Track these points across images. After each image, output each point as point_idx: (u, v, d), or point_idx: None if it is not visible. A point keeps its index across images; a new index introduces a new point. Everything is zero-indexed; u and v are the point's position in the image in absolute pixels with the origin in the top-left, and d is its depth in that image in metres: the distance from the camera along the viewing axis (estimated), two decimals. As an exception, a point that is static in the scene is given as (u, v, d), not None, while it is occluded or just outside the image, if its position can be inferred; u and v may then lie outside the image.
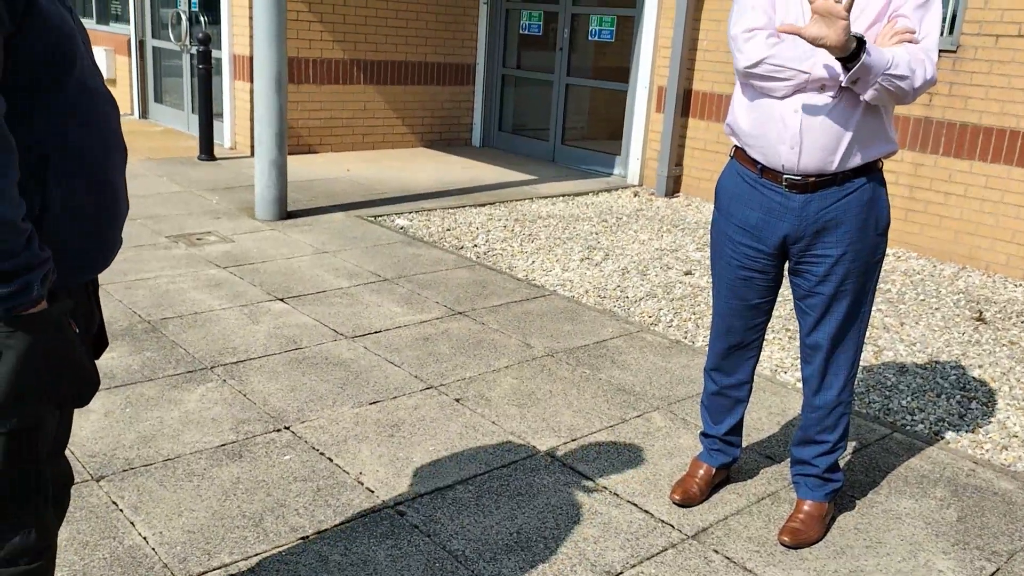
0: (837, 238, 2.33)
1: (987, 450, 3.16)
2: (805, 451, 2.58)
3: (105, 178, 1.46)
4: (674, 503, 2.67)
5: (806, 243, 2.36)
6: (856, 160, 2.27)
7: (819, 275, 2.38)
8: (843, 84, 2.15)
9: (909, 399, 3.55)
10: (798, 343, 4.07)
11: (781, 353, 3.95)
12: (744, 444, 3.06)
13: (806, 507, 2.56)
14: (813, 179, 2.29)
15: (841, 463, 2.97)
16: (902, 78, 2.12)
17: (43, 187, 1.35)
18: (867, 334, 4.21)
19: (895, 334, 4.26)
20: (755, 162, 2.37)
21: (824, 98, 2.22)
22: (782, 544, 2.49)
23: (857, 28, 2.19)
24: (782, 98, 2.26)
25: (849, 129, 2.23)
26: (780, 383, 3.62)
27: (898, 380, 3.72)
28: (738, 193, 2.43)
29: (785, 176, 2.32)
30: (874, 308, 4.61)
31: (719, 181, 2.52)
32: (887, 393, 3.59)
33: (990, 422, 3.37)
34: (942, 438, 3.24)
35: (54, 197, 1.37)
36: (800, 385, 3.61)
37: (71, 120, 1.39)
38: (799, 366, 3.80)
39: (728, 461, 2.74)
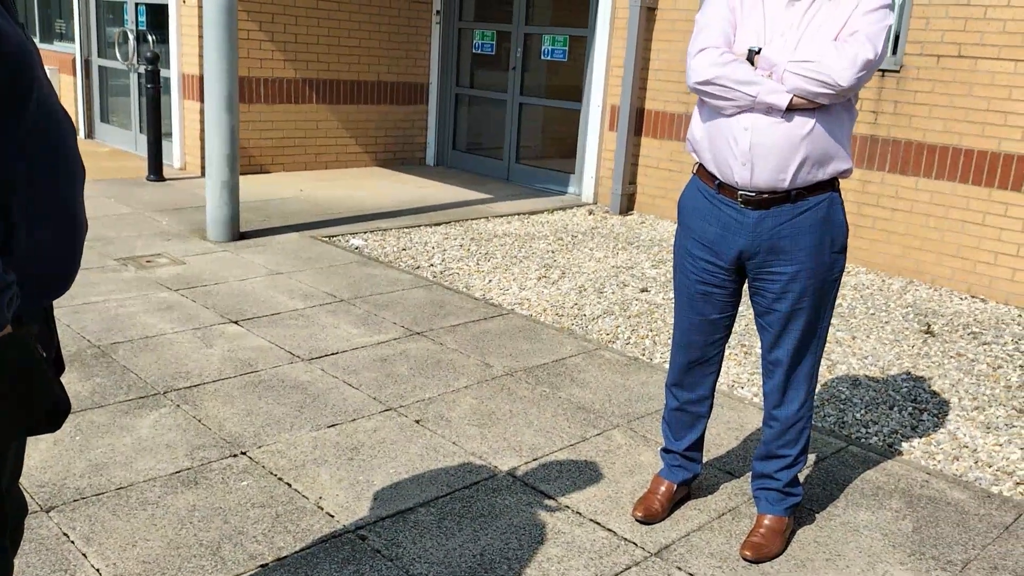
0: (792, 255, 2.36)
1: (939, 461, 3.23)
2: (767, 465, 2.61)
3: (67, 200, 1.43)
4: (636, 520, 2.67)
5: (761, 259, 2.40)
6: (808, 178, 2.31)
7: (775, 292, 2.42)
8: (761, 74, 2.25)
9: (863, 412, 3.61)
10: (754, 359, 4.12)
11: (737, 368, 4.00)
12: (705, 459, 3.08)
13: (767, 521, 2.59)
14: (767, 195, 2.33)
15: (800, 477, 3.01)
16: (807, 62, 2.20)
17: (6, 211, 1.32)
18: (820, 348, 4.28)
19: (847, 348, 4.34)
20: (713, 177, 2.42)
21: (773, 118, 2.27)
22: (744, 559, 2.51)
23: (818, 44, 2.26)
24: (731, 116, 2.32)
25: (799, 148, 2.27)
26: (738, 398, 3.66)
27: (851, 393, 3.79)
28: (697, 208, 2.47)
29: (740, 192, 2.36)
30: (826, 322, 4.69)
31: (681, 196, 2.56)
32: (841, 406, 3.65)
33: (941, 433, 3.45)
34: (896, 450, 3.30)
35: (18, 221, 1.34)
36: (757, 400, 3.66)
37: (33, 142, 1.36)
38: (756, 380, 3.85)
39: (689, 477, 2.76)
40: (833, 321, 4.72)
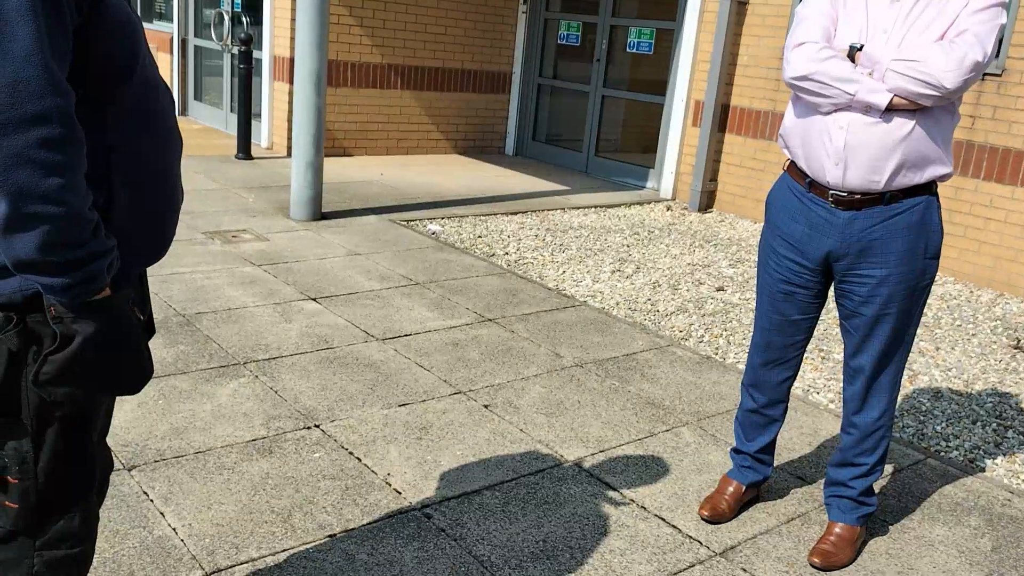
0: (882, 259, 2.30)
1: (1023, 480, 3.10)
2: (842, 472, 2.55)
3: (165, 170, 1.49)
4: (702, 519, 2.64)
5: (850, 261, 2.33)
6: (904, 181, 2.24)
7: (863, 296, 2.35)
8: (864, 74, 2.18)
9: (944, 425, 3.49)
10: (832, 364, 4.03)
11: (814, 373, 3.91)
12: (776, 464, 3.03)
13: (837, 529, 2.53)
14: (859, 196, 2.27)
15: (875, 488, 2.93)
16: (911, 61, 2.12)
17: (108, 178, 1.38)
18: (901, 357, 4.16)
19: (930, 359, 4.20)
20: (804, 175, 2.36)
21: (870, 118, 2.20)
22: (812, 565, 2.46)
23: (922, 42, 2.19)
24: (827, 114, 2.26)
25: (896, 149, 2.20)
26: (812, 403, 3.58)
27: (933, 406, 3.67)
28: (786, 206, 2.42)
29: (831, 191, 2.30)
30: (909, 331, 4.55)
31: (770, 193, 2.51)
32: (921, 418, 3.54)
33: (1027, 452, 3.31)
34: (977, 466, 3.18)
35: (118, 188, 1.39)
36: (832, 406, 3.57)
37: (135, 113, 1.41)
38: (833, 386, 3.76)
39: (759, 479, 2.71)
40: (917, 332, 4.56)
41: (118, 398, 3.05)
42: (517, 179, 7.83)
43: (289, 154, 7.80)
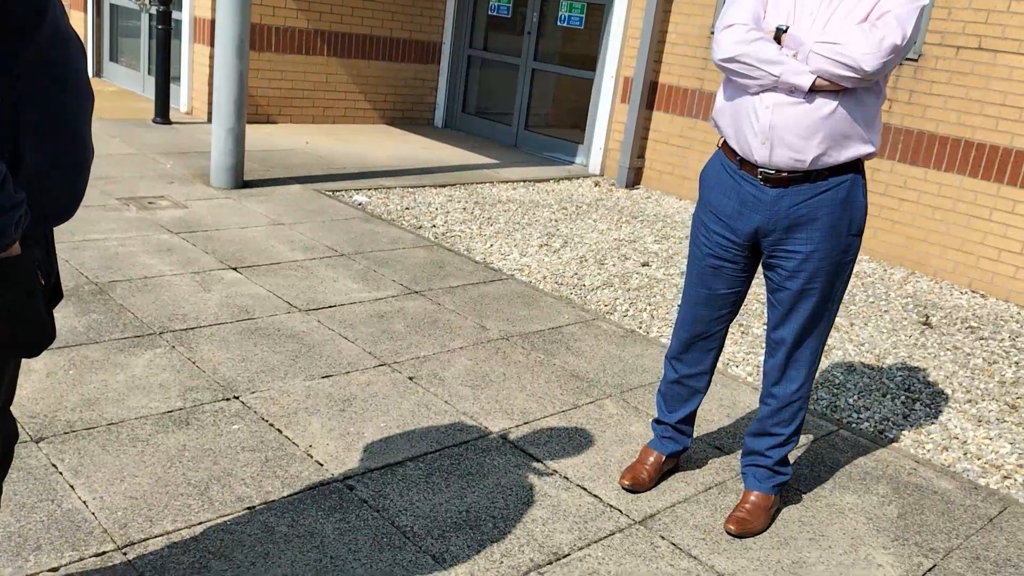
0: (808, 235, 2.35)
1: (928, 450, 3.24)
2: (759, 442, 2.61)
3: (75, 124, 1.42)
4: (623, 488, 2.68)
5: (777, 237, 2.38)
6: (829, 159, 2.29)
7: (788, 270, 2.41)
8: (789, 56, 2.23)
9: (856, 397, 3.62)
10: (751, 338, 4.12)
11: (734, 347, 4.00)
12: (695, 435, 3.09)
13: (753, 497, 2.60)
14: (786, 174, 2.32)
15: (790, 458, 3.02)
16: (833, 44, 2.17)
17: (15, 133, 1.30)
18: (817, 332, 4.28)
19: (844, 334, 4.34)
20: (736, 153, 2.40)
21: (794, 98, 2.25)
22: (728, 532, 2.52)
23: (845, 24, 2.23)
24: (754, 94, 2.30)
25: (819, 129, 2.25)
26: (732, 376, 3.66)
27: (846, 379, 3.79)
28: (719, 182, 2.46)
29: (760, 169, 2.34)
30: (825, 308, 4.69)
31: (703, 169, 2.56)
32: (835, 391, 3.66)
33: (932, 423, 3.45)
34: (886, 437, 3.31)
35: (27, 142, 1.32)
36: (751, 379, 3.66)
37: (44, 65, 1.34)
38: (752, 360, 3.86)
39: (678, 450, 2.76)
40: (832, 307, 4.71)
41: (25, 368, 2.92)
42: (446, 151, 7.76)
43: (210, 120, 7.56)
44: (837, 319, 4.51)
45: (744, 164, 2.38)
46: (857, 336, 4.33)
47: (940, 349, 4.29)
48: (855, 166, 2.35)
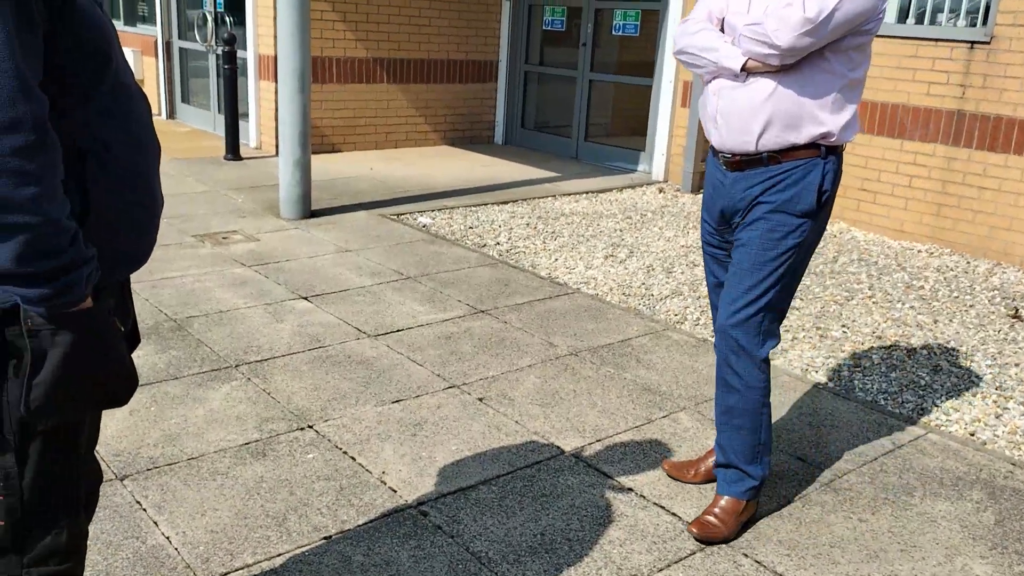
0: (755, 211, 2.34)
1: (1025, 451, 3.07)
2: (720, 436, 2.53)
3: (143, 175, 1.46)
4: (692, 536, 2.62)
5: (739, 219, 2.39)
6: (777, 141, 2.27)
7: (733, 239, 2.43)
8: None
9: (943, 398, 3.46)
10: (828, 341, 4.00)
11: (812, 351, 3.88)
12: (775, 445, 3.00)
13: (722, 502, 2.50)
14: (738, 158, 2.34)
15: (865, 466, 2.91)
16: (754, 24, 2.19)
17: (84, 185, 1.35)
18: (894, 332, 4.13)
19: (928, 332, 4.17)
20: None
21: (736, 82, 2.29)
22: (690, 534, 2.45)
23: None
24: (707, 82, 2.38)
25: (760, 110, 2.26)
26: (810, 382, 3.55)
27: (932, 379, 3.64)
28: (707, 171, 2.52)
29: (720, 154, 2.39)
30: (906, 305, 4.52)
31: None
32: (920, 392, 3.51)
33: (1028, 422, 3.28)
34: (978, 439, 3.16)
35: (95, 195, 1.37)
36: (832, 385, 3.55)
37: (109, 118, 1.38)
38: (831, 364, 3.74)
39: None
40: (914, 304, 4.54)
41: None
42: (507, 168, 7.78)
43: (277, 153, 7.74)
44: (920, 316, 4.34)
45: (715, 151, 2.44)
46: (942, 333, 4.16)
47: (1033, 343, 4.08)
48: (816, 148, 2.29)
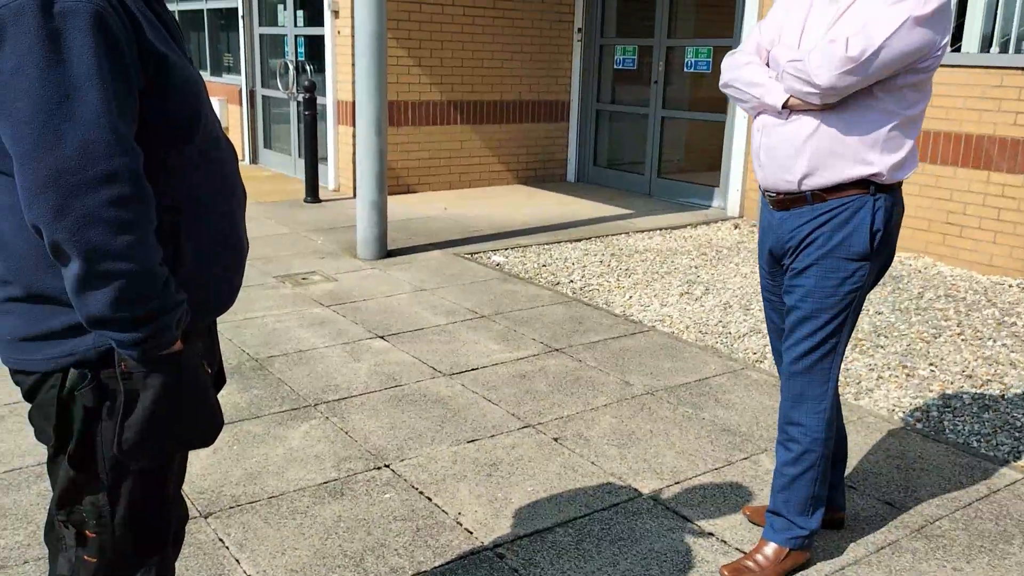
0: (807, 252, 2.26)
1: None
2: (774, 480, 2.44)
3: (231, 222, 1.52)
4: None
5: (788, 259, 2.32)
6: (819, 181, 2.19)
7: (785, 287, 2.33)
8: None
9: (1042, 441, 3.30)
10: (916, 381, 3.86)
11: (899, 391, 3.75)
12: (861, 489, 2.90)
13: (766, 548, 2.41)
14: (782, 196, 2.28)
15: (958, 512, 2.78)
16: (796, 60, 2.11)
17: (177, 233, 1.41)
18: (976, 373, 3.95)
19: (1023, 370, 3.98)
20: None
21: (779, 120, 2.22)
22: None
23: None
24: (754, 117, 2.32)
25: (802, 149, 2.18)
26: (898, 423, 3.42)
27: (1029, 420, 3.47)
28: (760, 212, 2.46)
29: (766, 192, 2.33)
30: (998, 342, 4.33)
31: None
32: (1016, 435, 3.35)
33: None
34: (1082, 484, 2.99)
35: (186, 242, 1.42)
36: (920, 426, 3.42)
37: (200, 168, 1.45)
38: (918, 404, 3.60)
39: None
40: (1007, 341, 4.35)
41: (194, 445, 3.10)
42: (580, 205, 7.80)
43: (355, 195, 7.94)
44: (1013, 354, 4.16)
45: (762, 189, 2.37)
46: (1038, 372, 3.97)
47: None
48: (863, 186, 2.19)
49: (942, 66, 5.74)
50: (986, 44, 5.64)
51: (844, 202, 2.20)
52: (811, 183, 2.21)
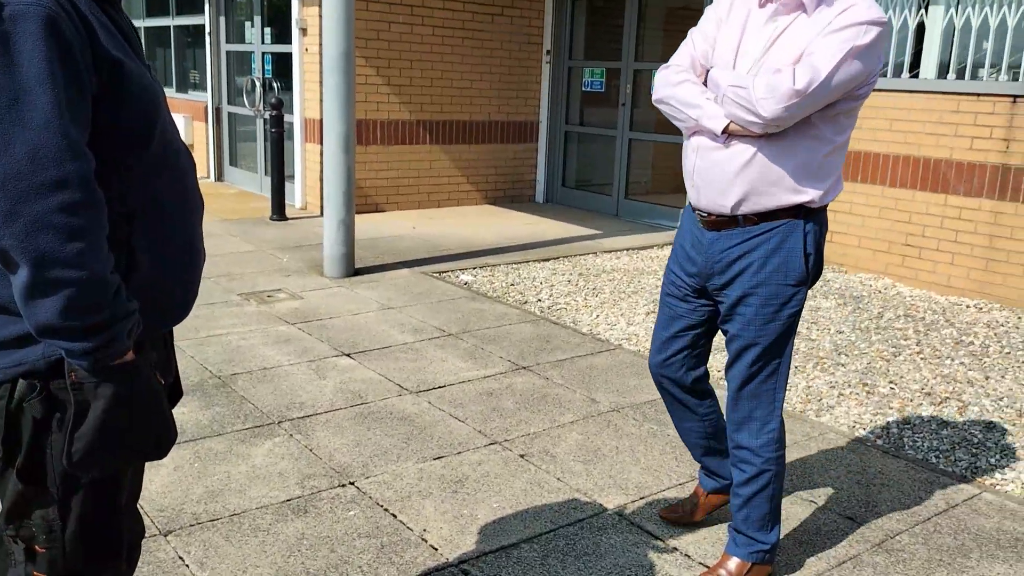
0: (741, 280, 2.26)
1: (1087, 512, 2.96)
2: (731, 502, 2.48)
3: (187, 231, 1.50)
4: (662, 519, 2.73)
5: (717, 281, 2.32)
6: (753, 206, 2.20)
7: (723, 313, 2.35)
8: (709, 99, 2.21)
9: (998, 457, 3.36)
10: (876, 398, 3.92)
11: (859, 408, 3.80)
12: (823, 504, 2.93)
13: (729, 563, 2.44)
14: (714, 217, 2.28)
15: (918, 526, 2.82)
16: (740, 88, 2.09)
17: (130, 241, 1.39)
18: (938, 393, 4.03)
19: (980, 388, 4.06)
20: None
21: (715, 143, 2.21)
22: None
23: (777, 65, 2.14)
24: (689, 136, 2.30)
25: (739, 175, 2.18)
26: (859, 439, 3.47)
27: (985, 437, 3.54)
28: (683, 222, 2.47)
29: (698, 211, 2.33)
30: (956, 361, 4.42)
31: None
32: (974, 451, 3.41)
33: (1089, 482, 3.16)
34: (1037, 499, 3.05)
35: (140, 251, 1.41)
36: (880, 442, 3.47)
37: (155, 176, 1.43)
38: (879, 421, 3.66)
39: (717, 487, 2.71)
40: (964, 360, 4.43)
41: (154, 463, 3.05)
42: (548, 226, 7.84)
43: (322, 213, 7.89)
44: (971, 373, 4.24)
45: (693, 206, 2.37)
46: (994, 390, 4.05)
47: (1091, 400, 3.95)
48: (794, 212, 2.21)
49: (902, 91, 5.89)
50: (943, 71, 5.80)
51: (775, 226, 2.22)
52: (745, 208, 2.21)
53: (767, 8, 2.19)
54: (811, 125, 2.14)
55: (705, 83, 2.26)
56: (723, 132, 2.16)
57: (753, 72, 2.16)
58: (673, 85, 2.27)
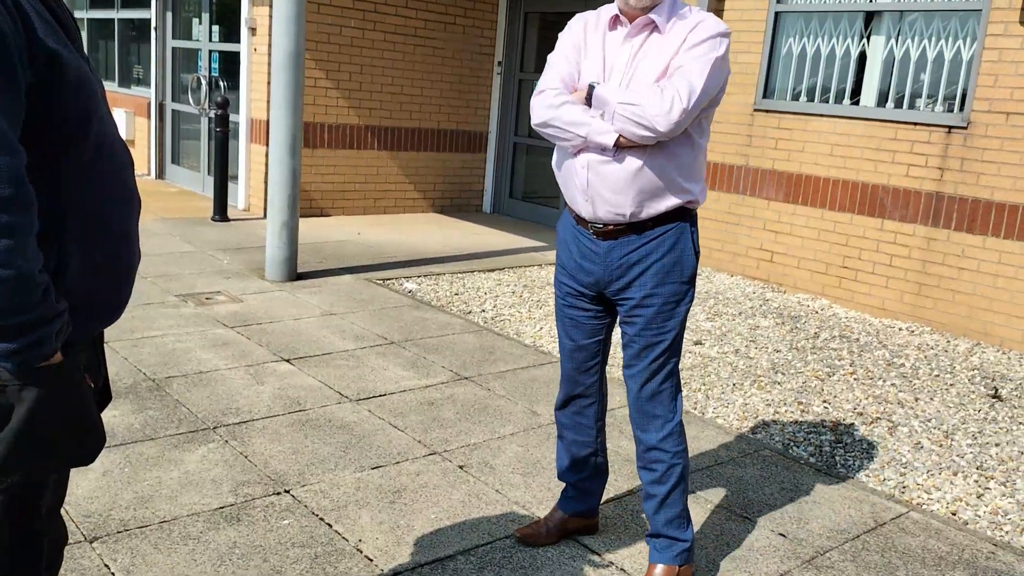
0: (641, 282, 2.38)
1: (1007, 532, 3.06)
2: (646, 506, 2.54)
3: (121, 230, 1.46)
4: (515, 538, 2.71)
5: (615, 286, 2.42)
6: (648, 211, 2.34)
7: (623, 315, 2.44)
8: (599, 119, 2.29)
9: (925, 477, 3.46)
10: (810, 417, 4.00)
11: (794, 427, 3.88)
12: (756, 520, 2.98)
13: (656, 571, 2.49)
14: (612, 227, 2.38)
15: (847, 544, 2.88)
16: (631, 104, 2.21)
17: (61, 239, 1.35)
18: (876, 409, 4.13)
19: (909, 409, 4.18)
20: (573, 209, 2.48)
21: (605, 156, 2.31)
22: None
23: (646, 80, 2.28)
24: (574, 154, 2.37)
25: (632, 184, 2.30)
26: (793, 458, 3.54)
27: (913, 457, 3.64)
28: (565, 236, 2.53)
29: (590, 223, 2.41)
30: (888, 382, 4.54)
31: (557, 224, 2.62)
32: (902, 470, 3.50)
33: (1009, 503, 3.27)
34: (960, 518, 3.14)
35: (71, 250, 1.36)
36: (813, 460, 3.54)
37: (90, 172, 1.39)
38: (813, 440, 3.73)
39: (582, 509, 2.74)
40: (895, 381, 4.56)
41: (82, 467, 2.96)
42: (494, 236, 7.85)
43: (265, 215, 7.78)
44: (902, 394, 4.36)
45: (579, 219, 2.45)
46: (923, 411, 4.17)
47: (1012, 423, 4.09)
48: (680, 215, 2.38)
49: (843, 117, 6.05)
50: (883, 99, 5.97)
51: (667, 228, 2.36)
52: (643, 214, 2.34)
53: (618, 30, 2.35)
54: (685, 132, 2.31)
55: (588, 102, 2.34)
56: (614, 146, 2.26)
57: (623, 87, 2.29)
58: (555, 108, 2.34)
